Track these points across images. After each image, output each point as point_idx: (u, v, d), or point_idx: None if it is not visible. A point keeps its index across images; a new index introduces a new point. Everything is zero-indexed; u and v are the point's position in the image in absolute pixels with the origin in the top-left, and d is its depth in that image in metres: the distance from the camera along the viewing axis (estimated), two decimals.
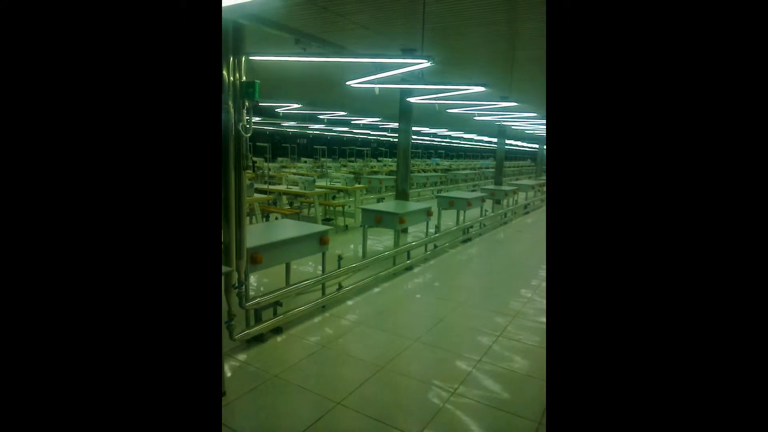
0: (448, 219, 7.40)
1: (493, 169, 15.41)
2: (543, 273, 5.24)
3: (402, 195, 7.14)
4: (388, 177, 11.60)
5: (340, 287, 4.00)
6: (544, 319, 3.70)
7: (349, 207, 8.28)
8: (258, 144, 17.19)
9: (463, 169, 19.29)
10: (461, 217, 7.03)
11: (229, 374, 2.69)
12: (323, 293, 3.87)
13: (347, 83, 5.20)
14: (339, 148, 23.51)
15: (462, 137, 22.68)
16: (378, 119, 13.32)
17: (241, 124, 2.78)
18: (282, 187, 8.04)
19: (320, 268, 3.98)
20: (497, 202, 9.68)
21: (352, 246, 6.24)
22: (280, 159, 17.04)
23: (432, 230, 6.01)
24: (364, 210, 5.32)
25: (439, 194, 7.77)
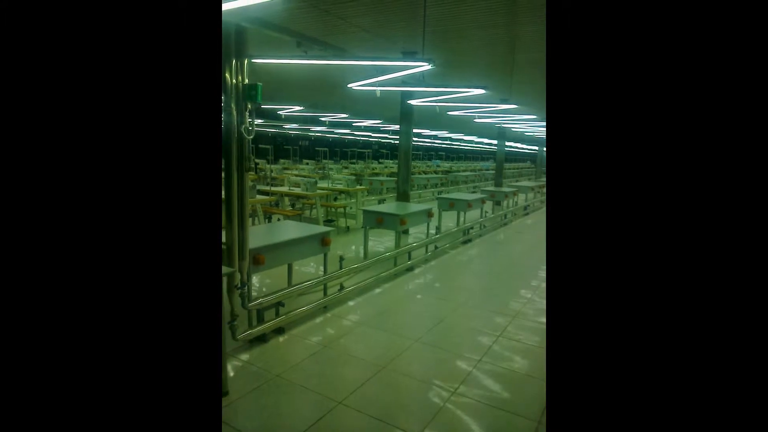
0: (449, 220, 7.41)
1: (493, 171, 15.42)
2: (543, 274, 5.25)
3: (403, 196, 7.15)
4: (389, 179, 11.62)
5: (342, 288, 4.01)
6: (544, 320, 3.71)
7: (351, 208, 8.29)
8: (260, 146, 17.24)
9: (464, 170, 19.28)
10: (462, 219, 7.05)
11: (231, 374, 2.71)
12: (325, 294, 3.88)
13: (349, 86, 5.23)
14: (340, 150, 23.49)
15: (462, 139, 22.71)
16: (379, 121, 13.34)
17: (243, 127, 2.80)
18: (284, 189, 8.07)
19: (322, 268, 4.00)
20: (497, 203, 9.68)
21: (353, 247, 6.25)
22: (282, 161, 17.03)
23: (433, 231, 6.02)
24: (365, 211, 5.35)
25: (439, 196, 7.80)
